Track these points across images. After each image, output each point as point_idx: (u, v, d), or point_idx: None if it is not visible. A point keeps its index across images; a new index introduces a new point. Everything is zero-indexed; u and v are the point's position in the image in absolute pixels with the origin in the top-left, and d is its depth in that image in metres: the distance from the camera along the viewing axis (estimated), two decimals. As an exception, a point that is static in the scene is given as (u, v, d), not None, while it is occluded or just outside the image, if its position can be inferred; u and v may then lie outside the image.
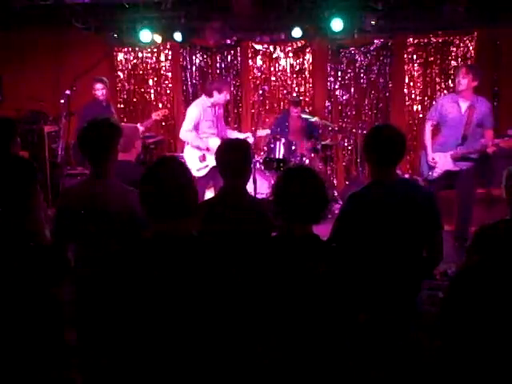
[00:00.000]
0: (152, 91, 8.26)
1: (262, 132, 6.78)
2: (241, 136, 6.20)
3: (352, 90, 7.93)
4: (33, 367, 2.14)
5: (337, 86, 7.98)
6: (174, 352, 1.79)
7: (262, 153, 7.08)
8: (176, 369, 1.79)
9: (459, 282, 1.81)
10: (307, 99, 8.02)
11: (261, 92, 7.74)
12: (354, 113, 7.98)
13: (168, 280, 1.79)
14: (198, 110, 5.85)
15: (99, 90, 6.32)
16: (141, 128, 6.31)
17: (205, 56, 8.19)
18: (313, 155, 6.92)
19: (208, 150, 5.72)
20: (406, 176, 6.97)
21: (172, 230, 1.88)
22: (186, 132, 5.83)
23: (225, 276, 1.87)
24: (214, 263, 1.87)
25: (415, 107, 7.78)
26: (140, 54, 8.16)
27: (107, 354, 1.84)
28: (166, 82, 8.23)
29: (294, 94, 7.83)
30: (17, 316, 2.14)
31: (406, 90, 7.73)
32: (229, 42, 7.80)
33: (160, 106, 8.25)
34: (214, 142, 5.72)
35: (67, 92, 6.29)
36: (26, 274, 2.12)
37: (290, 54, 8.01)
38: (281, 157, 6.50)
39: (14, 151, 3.31)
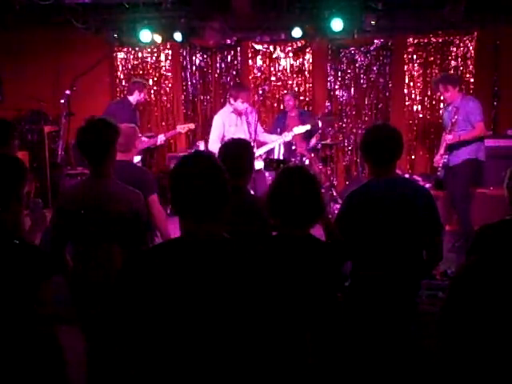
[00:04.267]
0: (152, 91, 8.26)
1: (301, 129, 6.35)
2: (278, 139, 6.15)
3: (352, 90, 7.93)
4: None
5: (337, 86, 7.97)
6: (207, 354, 1.70)
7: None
8: (209, 371, 1.70)
9: (457, 282, 1.81)
10: (307, 99, 8.02)
11: (261, 92, 7.74)
12: (353, 113, 7.98)
13: (196, 283, 1.70)
14: (220, 118, 5.81)
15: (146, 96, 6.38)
16: (163, 138, 6.34)
17: (205, 56, 8.19)
18: (313, 155, 6.92)
19: None
20: (406, 176, 6.98)
21: (202, 232, 1.76)
22: (212, 142, 5.81)
23: (258, 278, 1.77)
24: (246, 266, 1.78)
25: (415, 107, 7.78)
26: (140, 54, 8.16)
27: (131, 358, 1.76)
28: (166, 81, 8.23)
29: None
30: None
31: (405, 90, 7.73)
32: (229, 41, 7.79)
33: (160, 106, 8.25)
34: None
35: (67, 92, 6.30)
36: (9, 273, 2.11)
37: (290, 54, 8.01)
38: (281, 157, 6.50)
39: (10, 153, 3.28)
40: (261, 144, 6.18)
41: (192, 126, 6.92)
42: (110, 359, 2.43)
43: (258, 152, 6.06)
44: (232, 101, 5.76)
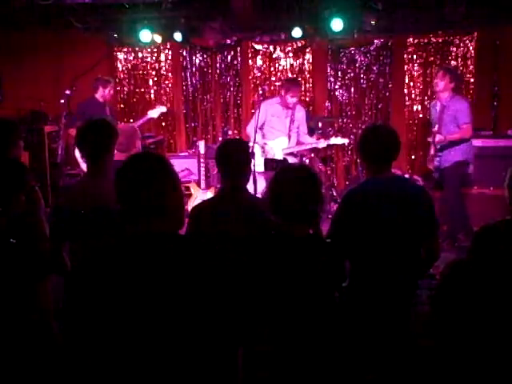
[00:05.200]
0: (152, 91, 8.26)
1: (338, 140, 6.23)
2: (313, 144, 6.14)
3: (352, 89, 7.93)
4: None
5: (337, 86, 7.97)
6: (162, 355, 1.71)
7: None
8: (157, 369, 1.71)
9: (446, 278, 1.81)
10: (307, 99, 8.02)
11: (261, 92, 7.73)
12: (354, 113, 7.97)
13: (141, 280, 1.70)
14: (263, 107, 5.94)
15: (111, 91, 6.43)
16: (135, 126, 6.36)
17: (205, 56, 8.19)
18: (313, 155, 6.93)
19: (263, 148, 5.88)
20: (406, 176, 6.97)
21: (149, 229, 1.77)
22: (249, 127, 5.98)
23: (203, 275, 1.76)
24: (191, 261, 1.78)
25: (415, 107, 7.78)
26: (140, 54, 8.16)
27: (91, 356, 1.76)
28: (166, 81, 8.23)
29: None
30: None
31: (406, 90, 7.73)
32: (229, 41, 7.80)
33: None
34: (272, 145, 5.87)
35: (67, 92, 6.29)
36: (5, 272, 2.11)
37: (290, 54, 8.01)
38: (281, 157, 6.50)
39: (14, 154, 3.28)
40: (300, 143, 6.26)
41: (164, 108, 6.93)
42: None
43: (293, 149, 6.15)
44: (283, 92, 5.93)
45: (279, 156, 6.05)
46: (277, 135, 6.02)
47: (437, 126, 5.43)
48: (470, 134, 5.36)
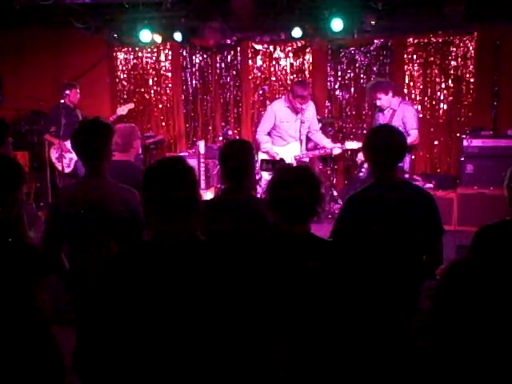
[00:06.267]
0: (152, 91, 8.26)
1: (353, 145, 6.12)
2: (328, 148, 6.05)
3: (352, 89, 7.92)
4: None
5: (337, 86, 7.97)
6: (178, 359, 1.73)
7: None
8: (180, 375, 1.73)
9: (446, 278, 1.81)
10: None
11: (261, 92, 7.73)
12: (354, 113, 7.97)
13: (168, 285, 1.71)
14: (271, 110, 5.85)
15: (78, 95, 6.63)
16: None
17: (205, 56, 8.19)
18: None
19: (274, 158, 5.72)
20: (406, 176, 6.96)
21: (175, 232, 1.77)
22: (259, 133, 5.87)
23: (229, 281, 1.79)
24: (218, 269, 1.79)
25: (415, 107, 7.76)
26: (140, 54, 8.16)
27: (107, 359, 1.78)
28: (166, 81, 8.23)
29: None
30: None
31: (406, 90, 7.72)
32: (229, 41, 7.80)
33: (160, 106, 8.26)
34: (283, 153, 5.71)
35: (67, 92, 6.32)
36: (2, 271, 2.11)
37: (290, 54, 8.00)
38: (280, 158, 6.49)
39: (4, 152, 3.27)
40: (313, 144, 6.22)
41: (131, 105, 7.17)
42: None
43: (305, 156, 6.03)
44: (290, 96, 5.79)
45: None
46: (288, 141, 5.92)
47: None
48: (417, 140, 5.40)
